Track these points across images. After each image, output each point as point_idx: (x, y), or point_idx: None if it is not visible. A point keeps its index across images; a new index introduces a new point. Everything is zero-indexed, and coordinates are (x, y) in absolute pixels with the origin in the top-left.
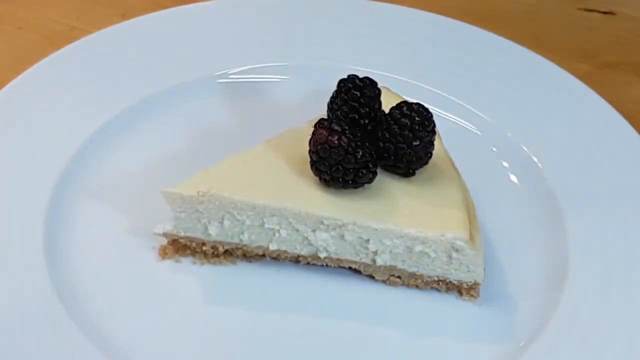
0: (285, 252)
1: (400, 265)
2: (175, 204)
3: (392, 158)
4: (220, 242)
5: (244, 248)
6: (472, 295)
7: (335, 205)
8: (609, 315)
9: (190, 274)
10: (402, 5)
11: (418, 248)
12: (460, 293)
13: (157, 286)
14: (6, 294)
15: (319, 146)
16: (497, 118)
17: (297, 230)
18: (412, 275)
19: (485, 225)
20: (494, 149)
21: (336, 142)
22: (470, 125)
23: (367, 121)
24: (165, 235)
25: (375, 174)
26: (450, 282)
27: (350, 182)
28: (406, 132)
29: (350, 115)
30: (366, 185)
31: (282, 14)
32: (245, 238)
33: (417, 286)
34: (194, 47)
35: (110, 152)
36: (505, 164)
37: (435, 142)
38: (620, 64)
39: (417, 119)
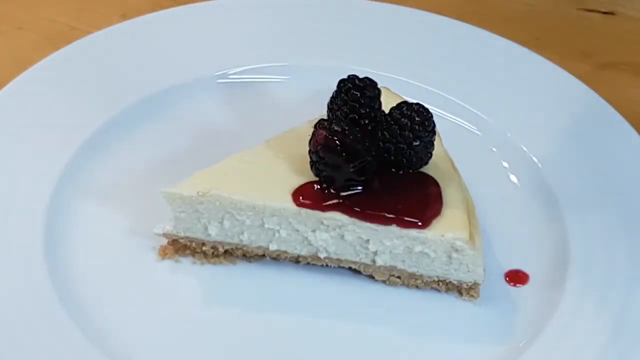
0: (285, 252)
1: (400, 266)
2: (175, 204)
3: (392, 158)
4: (220, 242)
5: (244, 248)
6: (472, 296)
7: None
8: (609, 315)
9: (190, 274)
10: (402, 5)
11: (418, 248)
12: (460, 293)
13: (157, 286)
14: (6, 293)
15: (319, 146)
16: (497, 118)
17: (297, 231)
18: (412, 275)
19: (485, 226)
20: (494, 149)
21: (336, 142)
22: (470, 125)
23: (367, 121)
24: (165, 235)
25: (375, 173)
26: (450, 282)
27: (350, 182)
28: (406, 132)
29: (350, 116)
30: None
31: (282, 14)
32: (245, 238)
33: (417, 286)
34: (194, 47)
35: (110, 152)
36: (505, 164)
37: (435, 142)
38: (620, 64)
39: (417, 119)
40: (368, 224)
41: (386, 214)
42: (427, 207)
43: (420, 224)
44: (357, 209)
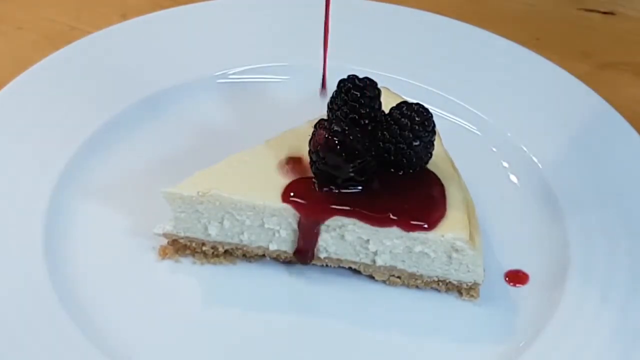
0: (285, 252)
1: (400, 266)
2: (175, 204)
3: (392, 158)
4: (220, 242)
5: (244, 248)
6: (472, 296)
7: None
8: (610, 315)
9: (190, 274)
10: (402, 5)
11: (418, 248)
12: (460, 293)
13: (157, 286)
14: (6, 293)
15: (319, 146)
16: (497, 118)
17: (297, 231)
18: (412, 275)
19: (485, 226)
20: (494, 149)
21: (336, 142)
22: (470, 125)
23: (367, 121)
24: (165, 235)
25: (375, 173)
26: (450, 282)
27: (350, 182)
28: (406, 132)
29: (350, 116)
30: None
31: (282, 14)
32: (245, 238)
33: (417, 286)
34: (194, 47)
35: (110, 152)
36: (505, 164)
37: (435, 142)
38: (620, 64)
39: (417, 119)
40: (369, 225)
41: (390, 215)
42: (432, 209)
43: (426, 226)
44: (358, 210)
